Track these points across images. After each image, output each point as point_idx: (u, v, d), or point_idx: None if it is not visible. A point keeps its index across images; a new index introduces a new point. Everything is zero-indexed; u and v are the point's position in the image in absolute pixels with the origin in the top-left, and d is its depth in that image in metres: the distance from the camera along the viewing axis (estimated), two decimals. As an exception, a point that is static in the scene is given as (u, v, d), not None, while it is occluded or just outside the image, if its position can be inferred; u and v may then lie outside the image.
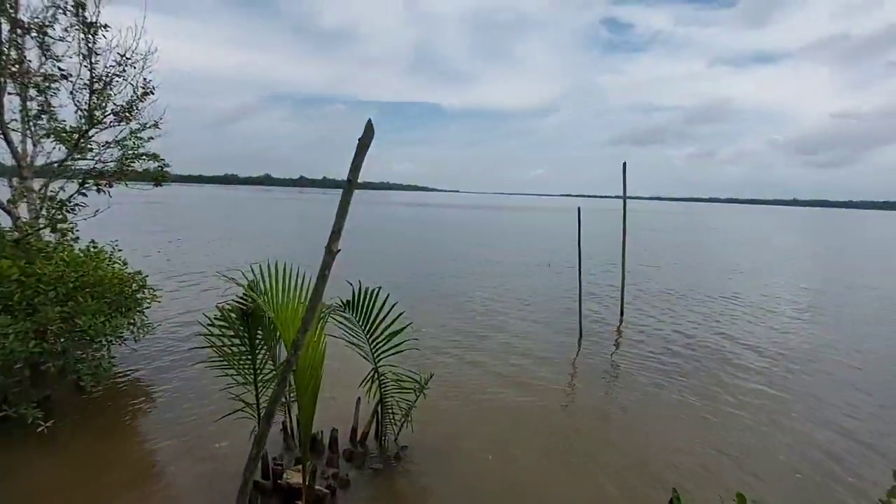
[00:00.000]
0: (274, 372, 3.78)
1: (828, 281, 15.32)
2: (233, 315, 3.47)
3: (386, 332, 3.98)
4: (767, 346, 7.93)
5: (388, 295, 3.79)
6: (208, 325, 3.68)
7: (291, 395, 3.87)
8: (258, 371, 3.64)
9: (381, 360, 4.09)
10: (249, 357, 3.63)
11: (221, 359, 3.73)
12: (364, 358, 4.12)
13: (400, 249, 19.95)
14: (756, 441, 4.84)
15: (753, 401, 5.76)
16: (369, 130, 1.88)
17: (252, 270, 3.45)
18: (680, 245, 26.04)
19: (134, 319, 5.57)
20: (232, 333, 3.60)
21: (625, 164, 9.10)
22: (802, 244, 30.34)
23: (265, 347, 3.65)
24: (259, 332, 3.59)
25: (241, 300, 3.44)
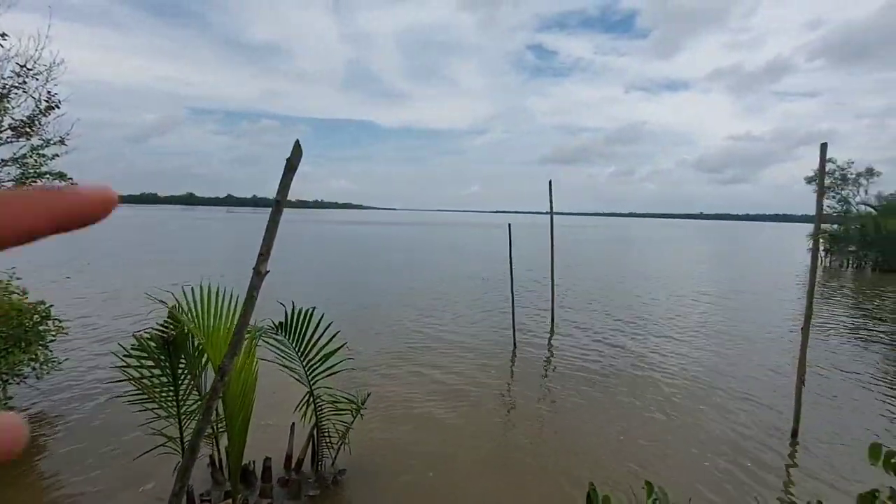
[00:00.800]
0: (199, 402, 3.59)
1: (723, 283, 17.04)
2: (152, 344, 3.27)
3: (320, 354, 3.93)
4: (680, 348, 8.67)
5: (323, 315, 3.75)
6: (124, 355, 3.44)
7: (220, 424, 3.70)
8: (181, 402, 3.45)
9: (316, 382, 4.02)
10: (172, 388, 3.43)
11: (140, 392, 3.49)
12: (299, 381, 4.03)
13: (335, 268, 19.54)
14: (672, 435, 5.27)
15: (671, 399, 6.27)
16: (297, 151, 1.93)
17: (174, 295, 3.29)
18: (603, 256, 27.75)
19: (36, 354, 5.04)
20: (152, 363, 3.39)
21: (550, 182, 9.65)
22: (706, 253, 33.46)
23: (189, 376, 3.47)
24: (182, 360, 3.41)
25: (161, 327, 3.26)
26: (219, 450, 4.14)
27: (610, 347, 8.57)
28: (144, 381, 3.47)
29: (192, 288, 3.23)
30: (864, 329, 10.50)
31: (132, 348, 3.41)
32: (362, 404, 4.28)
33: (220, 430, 3.78)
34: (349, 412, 4.25)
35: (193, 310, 3.10)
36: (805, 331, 5.06)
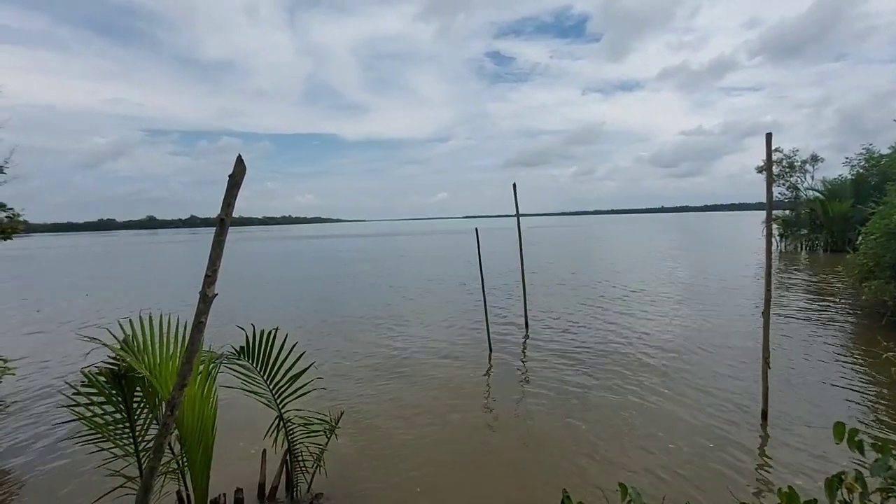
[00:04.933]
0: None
1: (687, 270, 17.60)
2: (101, 379, 3.06)
3: (287, 376, 3.78)
4: (649, 333, 8.85)
5: (287, 335, 3.61)
6: (74, 393, 3.21)
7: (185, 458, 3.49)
8: (139, 438, 3.23)
9: (285, 405, 3.87)
10: (127, 424, 3.22)
11: (94, 431, 3.26)
12: (268, 406, 3.87)
13: (303, 283, 19.11)
14: (644, 422, 5.33)
15: (642, 384, 6.37)
16: (240, 166, 1.83)
17: (122, 326, 3.09)
18: (572, 254, 28.20)
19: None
20: (103, 400, 3.17)
21: (514, 184, 9.72)
22: (671, 244, 34.53)
23: (147, 410, 3.26)
24: (138, 393, 3.20)
25: (112, 361, 3.05)
26: (186, 486, 3.91)
27: (580, 342, 8.69)
28: (96, 418, 3.25)
29: (141, 317, 3.05)
30: (822, 308, 10.99)
31: (81, 385, 3.19)
32: (336, 423, 4.14)
33: (186, 464, 3.58)
34: (322, 433, 4.10)
35: (134, 342, 2.90)
36: (766, 314, 5.22)
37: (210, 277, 1.78)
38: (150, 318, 3.00)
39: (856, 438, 1.70)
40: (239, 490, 3.87)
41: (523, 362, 7.92)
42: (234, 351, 3.47)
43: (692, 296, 13.13)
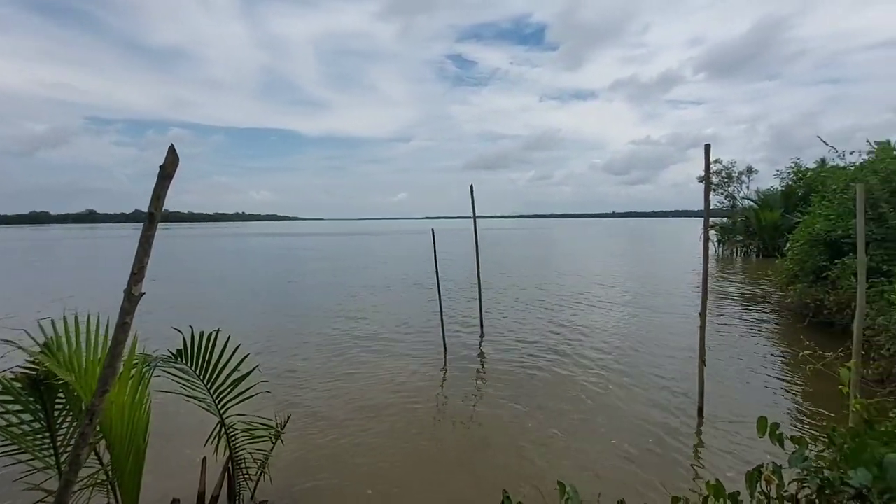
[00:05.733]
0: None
1: (633, 272, 18.43)
2: (18, 385, 2.81)
3: (230, 380, 3.61)
4: (597, 340, 9.18)
5: (230, 337, 3.45)
6: (-14, 402, 2.92)
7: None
8: (61, 450, 2.99)
9: (226, 410, 3.70)
10: (47, 434, 2.97)
11: (10, 441, 2.98)
12: (207, 410, 3.68)
13: (254, 283, 18.43)
14: (584, 421, 5.52)
15: (584, 385, 6.58)
16: (173, 156, 1.72)
17: (43, 328, 2.84)
18: (526, 256, 28.82)
19: None
20: (20, 408, 2.90)
21: (472, 186, 9.79)
22: (620, 247, 36.01)
23: (70, 418, 3.02)
24: (60, 399, 2.96)
25: (30, 365, 2.80)
26: (117, 498, 3.66)
27: (531, 342, 8.90)
28: (13, 428, 2.97)
29: (66, 317, 2.82)
30: (753, 310, 11.78)
31: (-5, 392, 2.91)
32: (282, 429, 4.00)
33: (115, 475, 3.34)
34: (267, 438, 3.96)
35: (55, 345, 2.69)
36: (703, 314, 5.53)
37: (136, 275, 1.67)
38: (77, 318, 2.78)
39: (777, 432, 1.82)
40: (175, 501, 3.66)
41: (477, 360, 7.99)
42: (170, 354, 3.28)
43: (636, 297, 13.75)
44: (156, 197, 1.74)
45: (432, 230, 9.04)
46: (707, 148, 5.21)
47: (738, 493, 1.60)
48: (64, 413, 3.09)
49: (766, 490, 1.60)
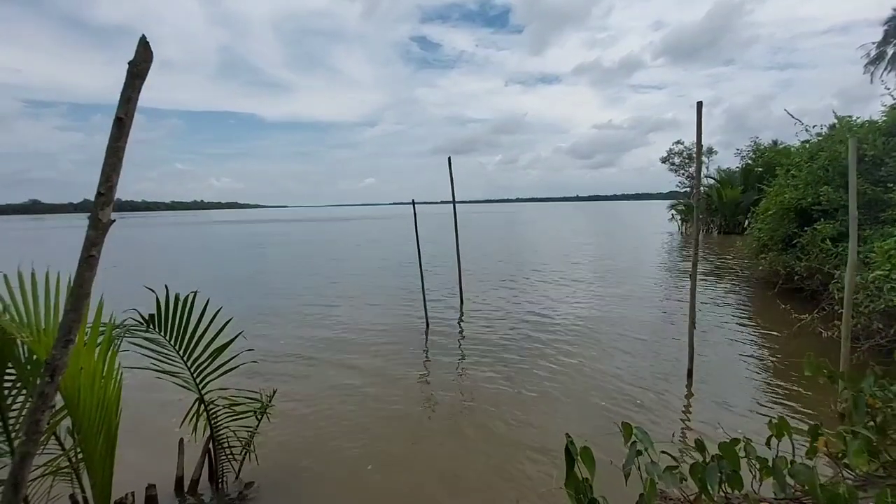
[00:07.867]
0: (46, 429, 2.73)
1: (606, 249, 18.73)
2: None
3: (210, 350, 3.26)
4: (576, 306, 9.19)
5: (209, 300, 3.07)
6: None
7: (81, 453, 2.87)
8: (12, 429, 2.59)
9: (206, 385, 3.35)
10: (-3, 413, 2.56)
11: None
12: (184, 387, 3.32)
13: (221, 271, 17.61)
14: (576, 386, 5.45)
15: (569, 353, 6.53)
16: (145, 52, 1.39)
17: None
18: (499, 238, 28.88)
19: None
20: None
21: (450, 158, 9.46)
22: (590, 228, 36.66)
23: (24, 392, 2.61)
24: (11, 372, 2.55)
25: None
26: (82, 486, 3.26)
27: (514, 316, 8.86)
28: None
29: (20, 272, 2.40)
30: (722, 281, 12.11)
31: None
32: (268, 403, 3.69)
33: (82, 459, 2.95)
34: (252, 415, 3.64)
35: (14, 301, 2.28)
36: (693, 276, 5.52)
37: (104, 196, 1.33)
38: (33, 274, 2.37)
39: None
40: (151, 486, 3.30)
41: (459, 337, 7.83)
42: (142, 319, 2.88)
43: (611, 273, 13.93)
44: (125, 100, 1.40)
45: (412, 201, 8.71)
46: (699, 105, 5.12)
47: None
48: (15, 392, 2.68)
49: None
